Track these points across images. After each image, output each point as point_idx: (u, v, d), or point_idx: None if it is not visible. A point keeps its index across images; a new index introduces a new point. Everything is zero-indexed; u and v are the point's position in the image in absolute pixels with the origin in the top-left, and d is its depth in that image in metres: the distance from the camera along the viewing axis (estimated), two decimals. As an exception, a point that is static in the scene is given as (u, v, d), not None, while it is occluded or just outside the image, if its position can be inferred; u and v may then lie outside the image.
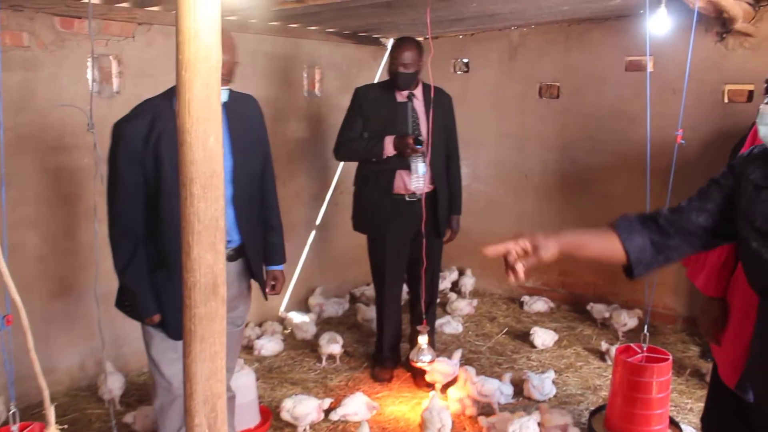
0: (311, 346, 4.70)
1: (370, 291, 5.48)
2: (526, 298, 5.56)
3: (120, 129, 2.49)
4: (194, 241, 1.22)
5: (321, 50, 5.39)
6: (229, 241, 2.68)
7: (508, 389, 3.85)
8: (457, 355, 4.14)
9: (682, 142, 2.76)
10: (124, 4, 3.88)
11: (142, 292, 2.57)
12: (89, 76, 3.83)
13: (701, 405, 3.88)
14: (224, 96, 2.51)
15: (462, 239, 6.04)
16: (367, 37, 5.67)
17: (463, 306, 5.42)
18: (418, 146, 3.79)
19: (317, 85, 5.43)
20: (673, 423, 3.29)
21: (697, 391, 4.09)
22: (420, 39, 5.91)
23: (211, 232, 1.23)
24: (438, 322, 4.96)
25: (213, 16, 1.16)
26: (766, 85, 1.65)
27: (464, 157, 5.93)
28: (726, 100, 4.74)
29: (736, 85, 4.68)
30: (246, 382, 3.46)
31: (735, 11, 4.00)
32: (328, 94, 5.38)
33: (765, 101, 1.65)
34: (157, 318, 2.60)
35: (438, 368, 3.94)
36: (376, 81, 4.17)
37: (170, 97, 2.51)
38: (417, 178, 3.89)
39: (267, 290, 3.05)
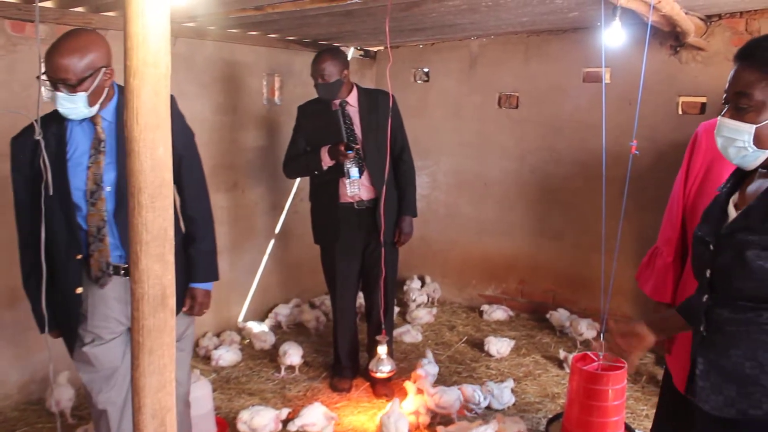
0: (270, 356, 4.66)
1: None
2: (485, 307, 5.58)
3: (11, 143, 2.51)
4: (142, 251, 1.20)
5: (281, 58, 5.36)
6: (119, 256, 2.57)
7: (483, 398, 3.87)
8: (429, 355, 4.27)
9: (637, 152, 2.79)
10: (79, 9, 3.80)
11: (35, 307, 2.55)
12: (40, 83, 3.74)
13: (657, 411, 3.95)
14: (82, 105, 2.37)
15: (422, 248, 6.09)
16: (327, 45, 5.66)
17: (423, 315, 5.42)
18: (349, 151, 3.81)
19: (277, 93, 5.40)
20: (629, 430, 3.33)
21: (653, 398, 4.13)
22: (381, 48, 5.96)
23: (159, 242, 1.20)
24: (397, 331, 4.96)
25: (162, 22, 1.14)
26: (724, 97, 1.68)
27: (424, 166, 5.99)
28: (680, 112, 4.83)
29: (690, 97, 4.78)
30: (202, 393, 3.41)
31: (687, 26, 4.08)
32: (287, 102, 5.35)
33: (722, 113, 1.69)
34: (54, 333, 2.60)
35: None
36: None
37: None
38: (351, 183, 3.93)
39: (184, 309, 2.76)
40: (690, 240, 2.24)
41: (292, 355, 4.36)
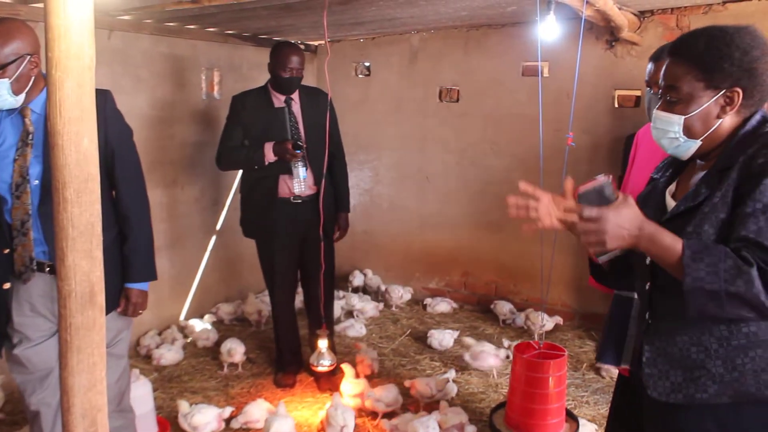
0: (213, 354, 4.60)
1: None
2: (428, 300, 5.62)
3: None
4: (68, 247, 1.16)
5: (220, 52, 5.28)
6: (43, 252, 2.50)
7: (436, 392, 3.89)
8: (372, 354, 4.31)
9: (573, 144, 2.85)
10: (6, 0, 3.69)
11: None
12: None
13: (597, 397, 4.07)
14: (6, 92, 2.29)
15: (365, 242, 6.10)
16: (267, 40, 5.60)
17: (368, 308, 5.43)
18: (298, 151, 3.81)
19: (216, 88, 5.33)
20: (570, 416, 3.40)
21: (593, 384, 4.24)
22: (322, 42, 5.93)
23: (86, 238, 1.17)
24: (341, 325, 4.96)
25: (84, 13, 1.11)
26: (660, 89, 1.72)
27: (366, 160, 6.00)
28: (616, 105, 4.95)
29: (625, 90, 4.90)
30: (142, 392, 3.35)
31: (621, 21, 4.17)
32: (227, 96, 5.24)
33: (657, 106, 1.73)
34: None
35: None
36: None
37: None
38: (299, 183, 3.95)
39: (118, 310, 2.66)
40: None
41: (235, 351, 4.32)
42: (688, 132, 1.68)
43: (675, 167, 1.88)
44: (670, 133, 1.70)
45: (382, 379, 4.26)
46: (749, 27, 1.65)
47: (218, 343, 4.57)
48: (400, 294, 5.49)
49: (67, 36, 1.10)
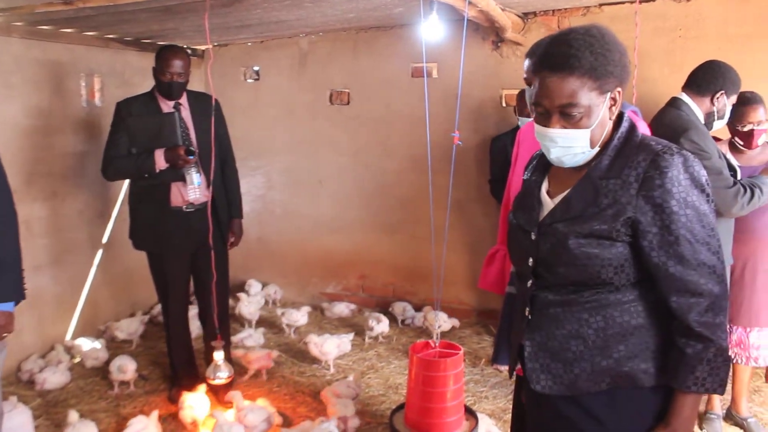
0: (103, 374, 4.37)
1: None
2: (326, 304, 5.57)
3: None
4: None
5: (100, 57, 5.05)
6: None
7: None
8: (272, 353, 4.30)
9: (460, 143, 2.87)
10: None
11: None
12: None
13: (496, 392, 4.14)
14: None
15: (260, 249, 5.99)
16: (151, 44, 5.41)
17: (267, 316, 5.31)
18: (191, 156, 3.71)
19: (97, 95, 5.08)
20: (470, 412, 3.41)
21: (492, 379, 4.31)
22: (209, 46, 5.78)
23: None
24: (239, 336, 4.83)
25: None
26: (542, 107, 1.69)
27: (258, 166, 5.90)
28: (504, 104, 5.05)
29: (512, 90, 5.01)
30: (19, 421, 3.13)
31: (504, 21, 4.26)
32: (109, 103, 5.02)
33: (549, 126, 1.69)
34: None
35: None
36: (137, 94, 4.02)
37: None
38: (193, 189, 3.82)
39: None
40: None
41: (126, 369, 4.12)
42: (592, 142, 1.68)
43: (544, 165, 1.90)
44: (576, 149, 1.68)
45: (282, 388, 4.19)
46: (601, 26, 1.67)
47: (109, 362, 4.33)
48: (296, 318, 5.15)
49: None
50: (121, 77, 5.22)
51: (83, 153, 4.89)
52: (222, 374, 3.24)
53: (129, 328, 4.95)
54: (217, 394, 4.04)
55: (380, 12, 4.53)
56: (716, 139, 3.27)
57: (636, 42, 3.47)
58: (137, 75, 5.31)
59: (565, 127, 1.66)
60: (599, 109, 1.65)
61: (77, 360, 4.60)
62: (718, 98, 3.17)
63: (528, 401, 1.92)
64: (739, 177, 3.22)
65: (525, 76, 2.70)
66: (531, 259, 1.79)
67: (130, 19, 4.19)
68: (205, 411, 3.71)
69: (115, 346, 4.88)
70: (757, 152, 3.48)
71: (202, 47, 5.90)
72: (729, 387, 3.68)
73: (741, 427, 3.69)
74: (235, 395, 3.70)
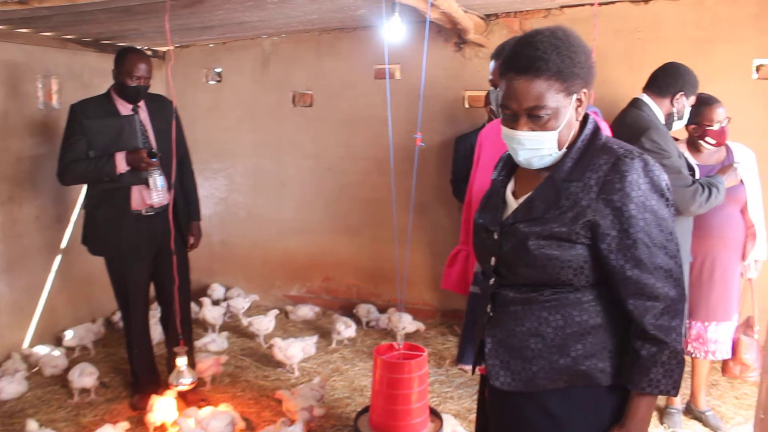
0: (62, 382, 4.27)
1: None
2: (290, 307, 5.54)
3: None
4: None
5: (58, 58, 4.95)
6: None
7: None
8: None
9: (422, 144, 2.87)
10: None
11: None
12: None
13: (461, 392, 4.16)
14: None
15: (223, 252, 5.94)
16: (110, 45, 5.32)
17: (230, 321, 5.26)
18: (153, 159, 3.66)
19: (55, 97, 4.98)
20: (434, 413, 3.42)
21: (457, 379, 4.33)
22: (170, 47, 5.71)
23: None
24: (202, 341, 4.78)
25: None
26: (509, 110, 1.69)
27: (221, 168, 5.85)
28: (467, 105, 5.08)
29: (475, 91, 5.04)
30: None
31: (466, 23, 4.28)
32: (67, 106, 4.95)
33: (517, 128, 1.69)
34: None
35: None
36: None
37: None
38: (157, 192, 3.77)
39: None
40: None
41: (85, 377, 4.04)
42: (559, 144, 1.69)
43: (510, 166, 1.91)
44: (543, 150, 1.69)
45: (246, 393, 4.16)
46: (567, 28, 1.69)
47: (69, 370, 4.23)
48: (266, 326, 5.00)
49: None
50: (79, 79, 5.13)
51: (40, 156, 4.79)
52: (185, 380, 3.19)
53: (80, 334, 4.82)
54: (186, 397, 3.99)
55: (343, 13, 4.52)
56: (675, 139, 3.33)
57: (595, 44, 3.52)
58: (97, 76, 5.21)
59: (532, 129, 1.67)
60: (566, 110, 1.67)
61: (35, 368, 4.48)
62: (677, 99, 3.24)
63: (489, 397, 1.94)
64: (697, 176, 3.29)
65: (491, 77, 2.71)
66: (493, 258, 1.80)
67: (89, 19, 4.12)
68: (173, 415, 3.66)
69: (76, 353, 4.77)
70: (713, 152, 3.56)
71: (163, 48, 5.82)
72: (688, 382, 3.77)
73: (700, 420, 3.76)
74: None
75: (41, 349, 4.61)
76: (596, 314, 1.71)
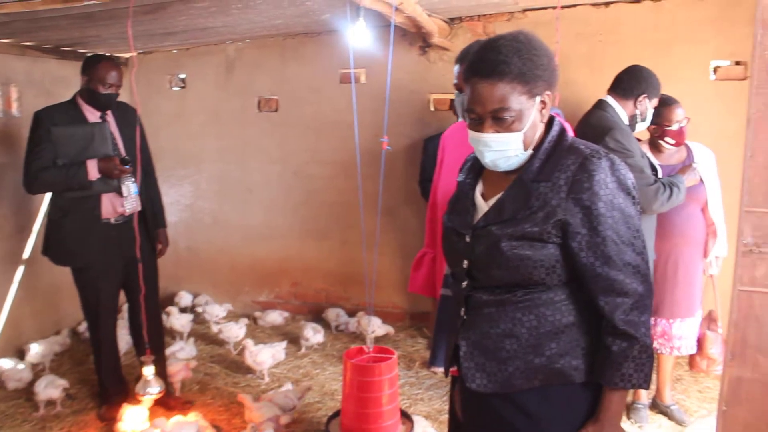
0: (27, 395, 4.17)
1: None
2: (258, 313, 5.52)
3: None
4: None
5: (17, 65, 4.87)
6: None
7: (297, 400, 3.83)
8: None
9: (389, 148, 2.89)
10: None
11: None
12: None
13: (431, 393, 4.18)
14: None
15: (189, 259, 5.89)
16: (71, 52, 5.25)
17: (198, 328, 5.22)
18: (126, 166, 3.63)
19: (14, 105, 4.89)
20: (405, 415, 3.43)
21: (427, 381, 4.35)
22: (133, 54, 5.66)
23: None
24: (171, 349, 4.72)
25: None
26: (474, 113, 1.72)
27: (186, 175, 5.81)
28: (432, 108, 5.12)
29: (440, 94, 5.09)
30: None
31: (430, 27, 4.32)
32: (28, 114, 4.84)
33: (476, 129, 1.72)
34: None
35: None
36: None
37: None
38: (130, 199, 3.73)
39: None
40: None
41: (50, 388, 3.96)
42: (525, 145, 1.72)
43: (477, 169, 1.93)
44: (509, 152, 1.72)
45: (216, 400, 4.13)
46: (528, 32, 1.72)
47: (33, 383, 4.13)
48: (236, 333, 4.96)
49: None
50: (40, 86, 5.05)
51: (0, 165, 4.71)
52: (152, 390, 3.15)
53: (43, 351, 4.66)
54: (168, 402, 3.93)
55: (307, 18, 4.52)
56: (638, 140, 3.40)
57: (557, 46, 3.57)
58: (58, 84, 5.14)
59: (498, 132, 1.70)
60: (530, 112, 1.69)
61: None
62: (641, 101, 3.32)
63: (463, 400, 1.95)
64: (660, 175, 3.36)
65: (455, 81, 2.73)
66: (466, 261, 1.81)
67: (50, 25, 4.06)
68: (144, 425, 3.61)
69: (41, 365, 4.68)
70: (674, 152, 3.64)
71: (126, 55, 5.76)
72: (654, 377, 3.83)
73: (665, 414, 3.84)
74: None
75: (5, 363, 4.50)
76: (569, 313, 1.74)
